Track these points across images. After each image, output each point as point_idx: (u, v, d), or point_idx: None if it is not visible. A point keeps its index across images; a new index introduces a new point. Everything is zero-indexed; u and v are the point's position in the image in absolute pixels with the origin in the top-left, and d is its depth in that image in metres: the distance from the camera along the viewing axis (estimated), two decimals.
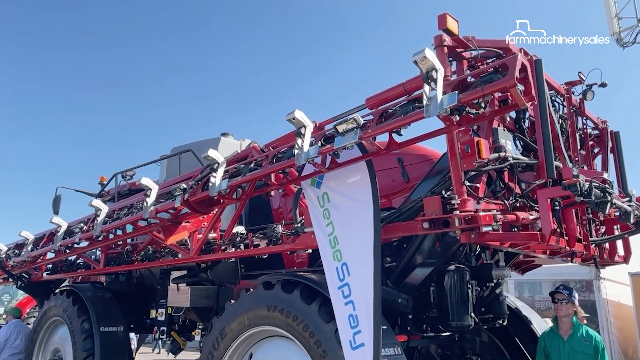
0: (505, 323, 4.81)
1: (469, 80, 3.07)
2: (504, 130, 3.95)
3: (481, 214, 3.41)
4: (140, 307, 7.44)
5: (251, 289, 4.66)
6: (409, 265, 4.27)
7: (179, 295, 5.80)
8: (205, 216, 5.25)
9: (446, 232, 3.76)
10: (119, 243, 6.69)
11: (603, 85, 4.52)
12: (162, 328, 6.44)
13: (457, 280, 4.29)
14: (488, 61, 3.93)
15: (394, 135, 3.33)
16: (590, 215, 4.47)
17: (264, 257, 4.99)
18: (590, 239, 4.26)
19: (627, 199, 3.52)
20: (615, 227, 4.73)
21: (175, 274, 6.29)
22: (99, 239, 5.92)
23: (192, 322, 6.45)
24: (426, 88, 2.96)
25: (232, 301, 4.67)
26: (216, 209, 4.99)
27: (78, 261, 7.71)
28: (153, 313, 6.68)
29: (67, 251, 6.68)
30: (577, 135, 4.59)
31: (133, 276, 7.61)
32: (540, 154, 3.77)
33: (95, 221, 5.71)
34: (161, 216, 5.06)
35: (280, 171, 3.96)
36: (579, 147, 4.55)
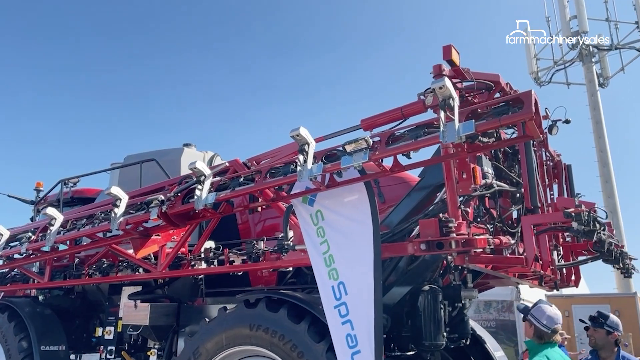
0: (468, 342, 5.01)
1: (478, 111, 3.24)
2: (487, 158, 4.18)
3: (477, 237, 3.56)
4: (83, 324, 6.92)
5: (228, 307, 4.51)
6: (384, 286, 4.35)
7: (136, 312, 5.47)
8: (174, 230, 5.04)
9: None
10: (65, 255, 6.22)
11: (567, 122, 4.90)
12: (109, 347, 6.02)
13: (430, 300, 4.43)
14: (474, 93, 4.16)
15: (400, 158, 3.42)
16: (554, 242, 4.80)
17: (239, 274, 4.87)
18: (557, 263, 4.57)
19: (602, 227, 3.84)
20: (570, 252, 5.12)
21: (128, 289, 5.94)
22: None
23: (144, 340, 6.08)
24: (442, 115, 3.09)
25: (207, 319, 4.51)
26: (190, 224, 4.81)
27: (13, 273, 7.06)
28: (99, 331, 6.24)
29: (6, 262, 6.11)
30: (544, 166, 4.93)
31: (75, 290, 7.08)
32: (525, 183, 4.03)
33: (49, 231, 5.29)
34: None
35: (276, 187, 3.91)
36: (546, 178, 4.89)
